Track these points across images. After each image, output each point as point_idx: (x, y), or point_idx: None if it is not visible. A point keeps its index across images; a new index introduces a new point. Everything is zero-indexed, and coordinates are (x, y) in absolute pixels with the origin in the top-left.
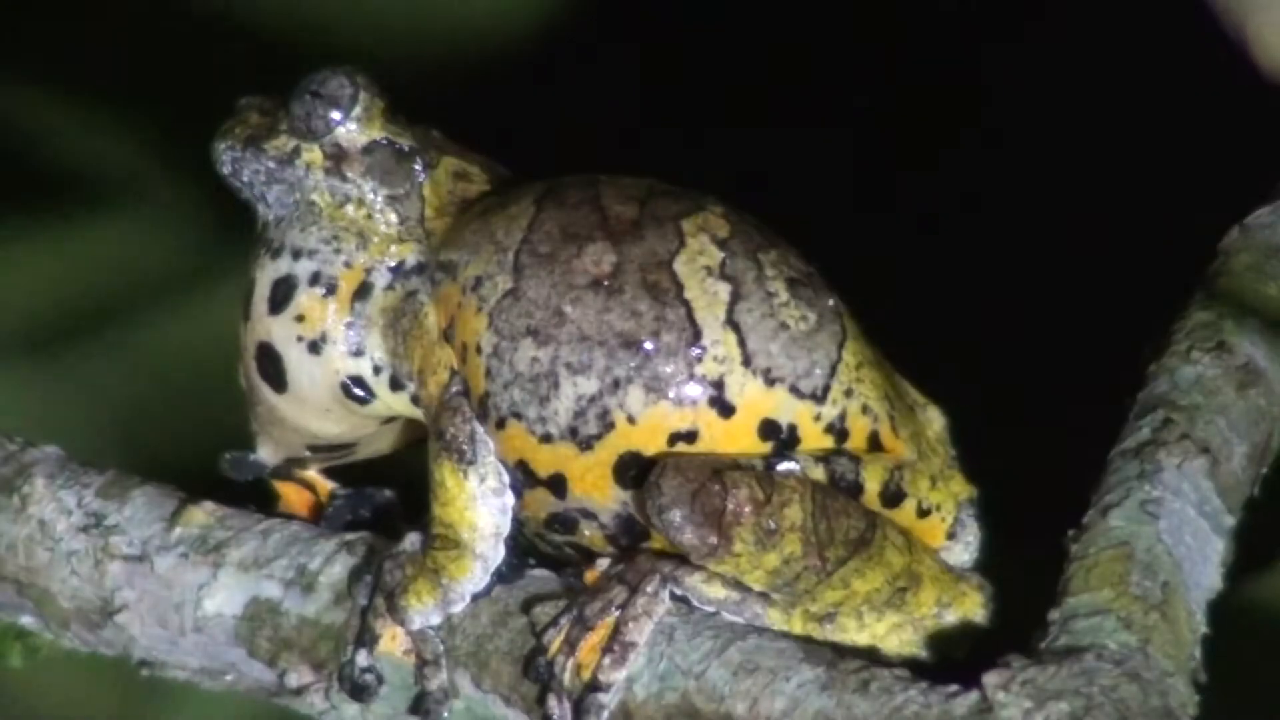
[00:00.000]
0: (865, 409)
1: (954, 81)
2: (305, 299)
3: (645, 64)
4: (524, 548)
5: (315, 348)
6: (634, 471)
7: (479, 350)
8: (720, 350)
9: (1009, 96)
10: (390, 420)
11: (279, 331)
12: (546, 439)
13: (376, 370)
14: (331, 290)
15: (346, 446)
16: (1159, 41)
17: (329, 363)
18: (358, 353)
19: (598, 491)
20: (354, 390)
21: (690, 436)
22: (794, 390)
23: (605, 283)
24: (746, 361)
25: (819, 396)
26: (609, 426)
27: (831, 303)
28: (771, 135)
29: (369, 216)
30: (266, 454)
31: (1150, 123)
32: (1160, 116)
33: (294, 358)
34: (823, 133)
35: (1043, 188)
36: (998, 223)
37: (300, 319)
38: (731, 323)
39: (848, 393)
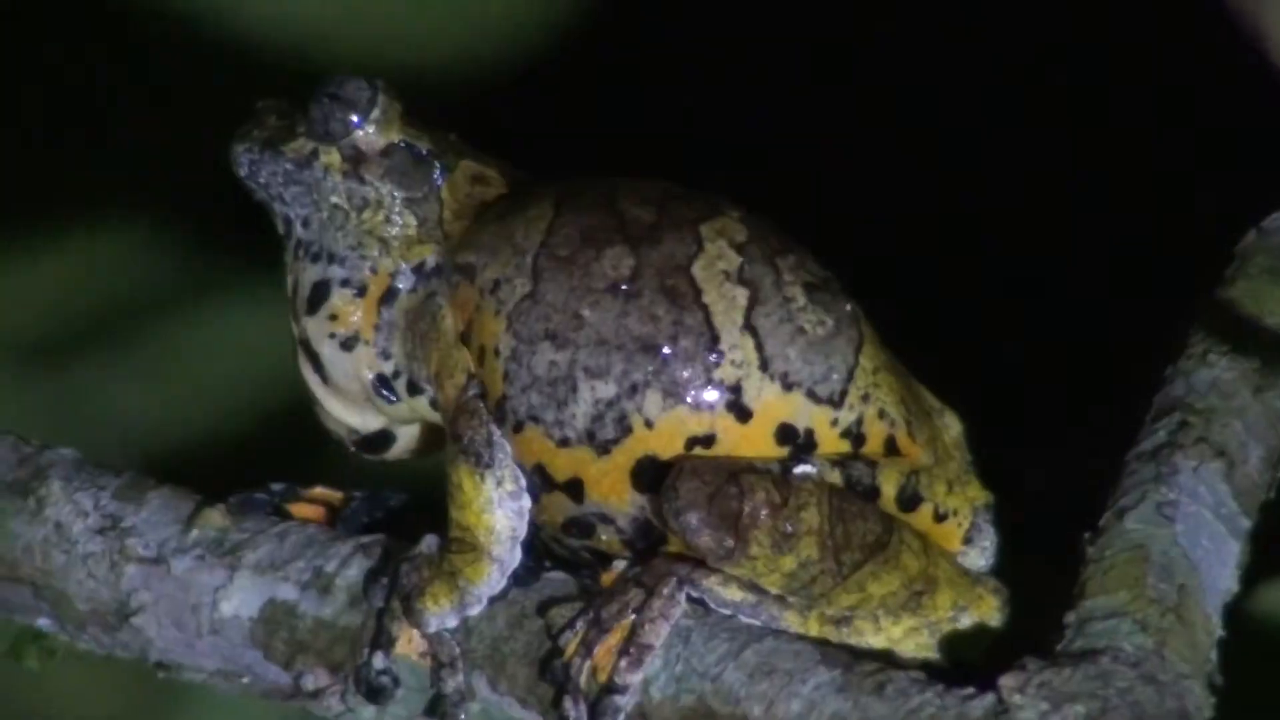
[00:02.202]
0: (882, 414)
1: (955, 80)
2: (338, 300)
3: (652, 67)
4: (540, 551)
5: (348, 345)
6: (651, 476)
7: (497, 353)
8: (738, 355)
9: (1020, 94)
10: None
11: (314, 330)
12: (564, 443)
13: (396, 374)
14: (361, 293)
15: (386, 440)
16: (1175, 41)
17: (359, 360)
18: (384, 355)
19: (615, 496)
20: (381, 389)
21: (707, 441)
22: (811, 395)
23: (624, 286)
24: (764, 366)
25: (836, 401)
26: (626, 431)
27: (849, 307)
28: (771, 136)
29: (387, 220)
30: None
31: (1167, 124)
32: (1177, 118)
33: (328, 354)
34: (822, 134)
35: (1057, 188)
36: (1013, 224)
37: (333, 318)
38: (749, 327)
39: (864, 398)
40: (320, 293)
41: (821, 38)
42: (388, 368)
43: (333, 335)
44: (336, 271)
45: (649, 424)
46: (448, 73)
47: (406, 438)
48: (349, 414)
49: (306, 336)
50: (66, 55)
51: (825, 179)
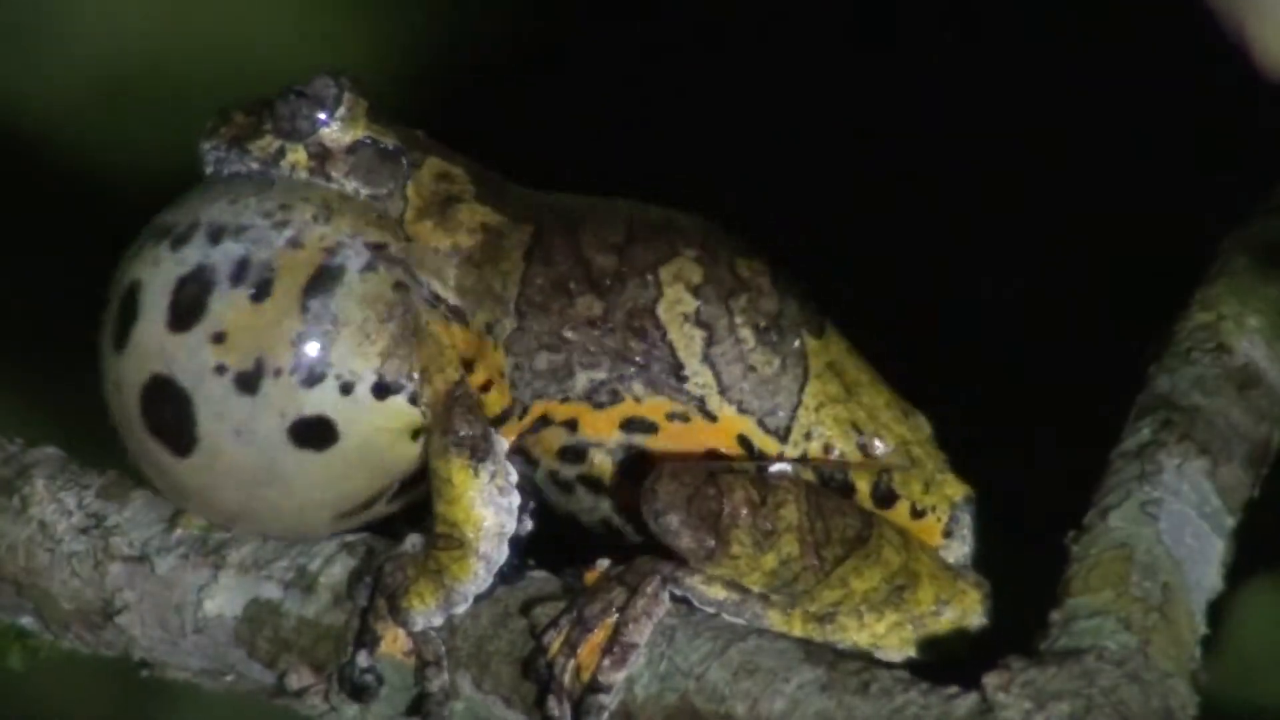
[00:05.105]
0: (828, 448)
1: (952, 81)
2: (227, 306)
3: (635, 64)
4: (524, 548)
5: (247, 383)
6: (638, 426)
7: (502, 375)
8: (700, 379)
9: (1008, 96)
10: (358, 510)
11: (185, 359)
12: (565, 400)
13: (346, 389)
14: (263, 291)
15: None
16: (1159, 41)
17: (271, 403)
18: (311, 380)
19: (606, 433)
20: (310, 437)
21: (684, 417)
22: (761, 425)
23: (597, 325)
24: (723, 391)
25: (782, 436)
26: (618, 399)
27: (796, 344)
28: (770, 135)
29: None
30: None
31: (1150, 122)
32: (1161, 116)
33: (212, 398)
34: (820, 133)
35: (1042, 187)
36: (995, 222)
37: (221, 338)
38: (708, 360)
39: (807, 435)
40: (193, 295)
41: (820, 36)
42: (321, 396)
43: (221, 369)
44: (229, 251)
45: (638, 400)
46: (418, 71)
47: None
48: (231, 497)
49: (168, 372)
50: (65, 56)
51: (825, 179)
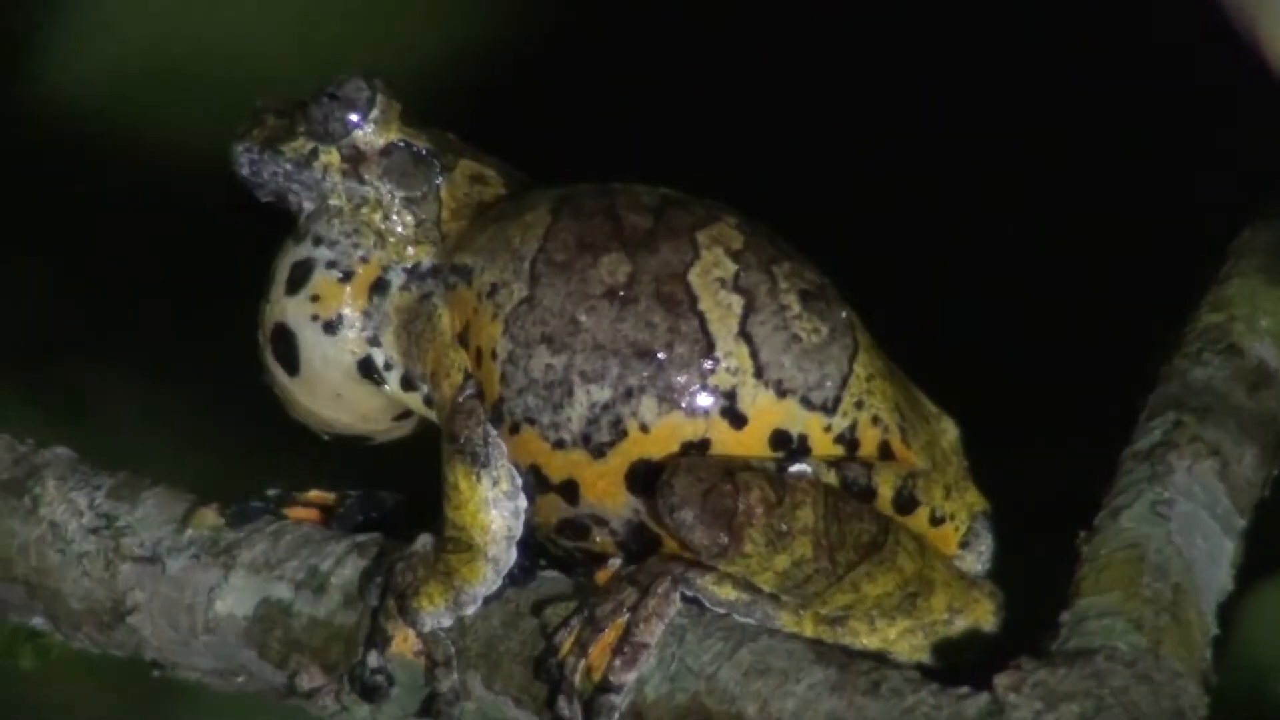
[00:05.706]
0: (875, 420)
1: (952, 81)
2: (322, 280)
3: (648, 66)
4: (535, 549)
5: (331, 328)
6: (646, 479)
7: (494, 356)
8: (733, 362)
9: (1014, 95)
10: (402, 417)
11: (294, 311)
12: (559, 445)
13: (388, 366)
14: (348, 276)
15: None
16: (1171, 41)
17: (344, 344)
18: (373, 341)
19: (609, 498)
20: (369, 373)
21: (702, 446)
22: (805, 401)
23: (620, 293)
24: (759, 373)
25: (829, 408)
26: (622, 434)
27: (844, 315)
28: (770, 135)
29: (386, 218)
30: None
31: (1162, 122)
32: (1172, 116)
33: (308, 337)
34: (821, 132)
35: (1052, 188)
36: (995, 222)
37: (316, 299)
38: (744, 334)
39: (858, 404)
40: (302, 272)
41: (823, 37)
42: (376, 354)
43: (315, 317)
44: (323, 252)
45: (644, 428)
46: (447, 72)
47: (385, 432)
48: (319, 405)
49: (284, 319)
50: (64, 56)
51: (825, 179)
